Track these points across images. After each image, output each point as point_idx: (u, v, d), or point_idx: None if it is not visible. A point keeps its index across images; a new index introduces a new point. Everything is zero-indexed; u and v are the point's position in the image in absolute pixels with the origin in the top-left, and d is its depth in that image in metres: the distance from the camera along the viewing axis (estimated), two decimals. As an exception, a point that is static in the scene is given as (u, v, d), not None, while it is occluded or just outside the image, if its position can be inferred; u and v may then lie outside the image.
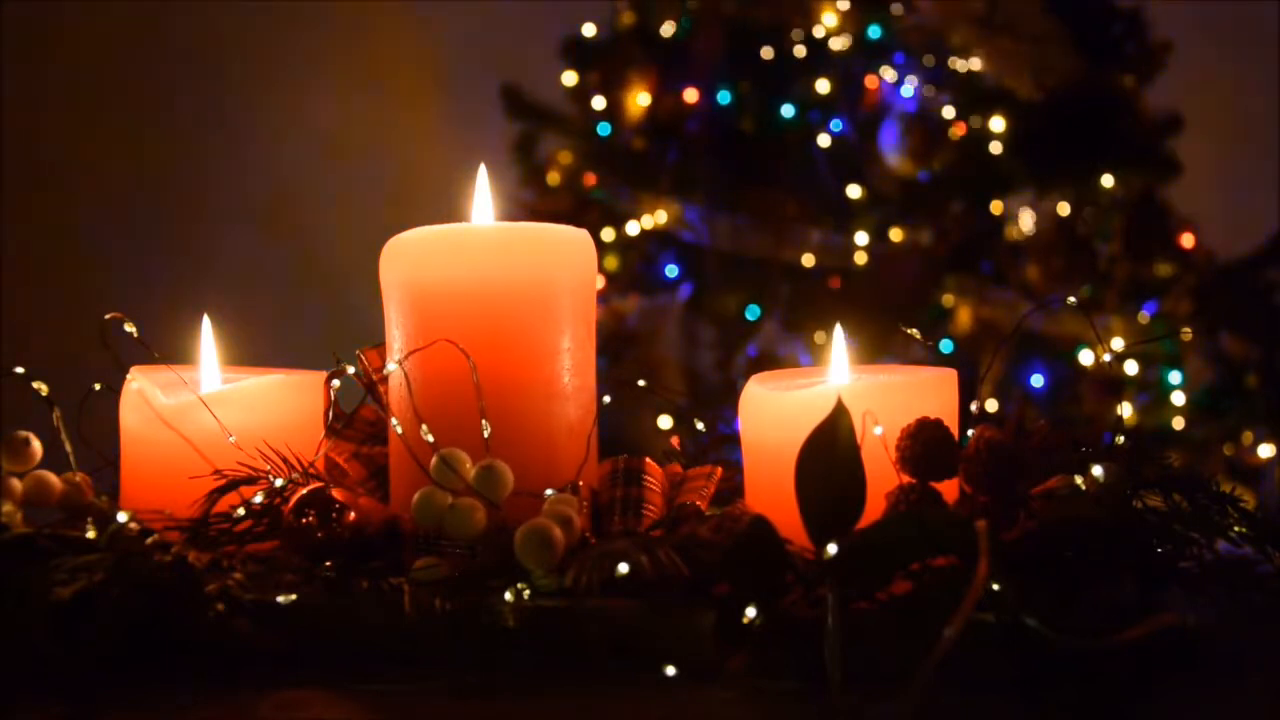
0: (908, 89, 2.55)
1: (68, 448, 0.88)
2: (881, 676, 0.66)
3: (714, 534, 0.76)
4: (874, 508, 0.72)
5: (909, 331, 0.93)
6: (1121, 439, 0.83)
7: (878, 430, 0.78)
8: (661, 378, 2.50)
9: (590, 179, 2.69)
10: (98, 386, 0.90)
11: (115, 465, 0.90)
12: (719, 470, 0.90)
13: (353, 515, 0.79)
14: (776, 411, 0.83)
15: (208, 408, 0.87)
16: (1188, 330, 0.99)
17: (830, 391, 0.80)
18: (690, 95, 2.63)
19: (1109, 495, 0.77)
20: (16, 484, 0.87)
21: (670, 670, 0.72)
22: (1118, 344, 2.38)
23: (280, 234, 3.42)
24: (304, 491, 0.80)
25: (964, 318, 2.52)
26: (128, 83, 3.35)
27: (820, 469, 0.70)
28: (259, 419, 0.88)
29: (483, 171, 0.92)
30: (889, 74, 2.58)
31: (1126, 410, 2.45)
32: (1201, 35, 2.96)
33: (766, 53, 2.62)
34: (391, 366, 0.85)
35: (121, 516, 0.80)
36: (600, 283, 2.61)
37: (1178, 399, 2.51)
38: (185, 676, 0.75)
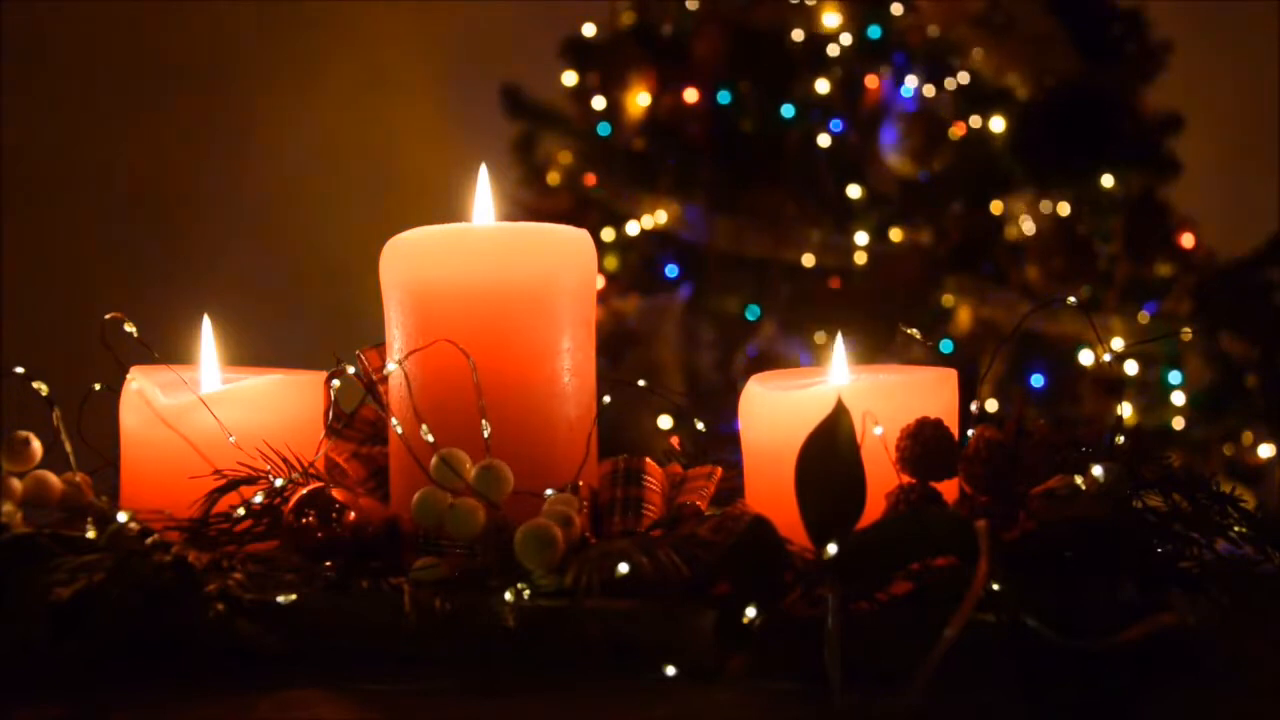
0: (908, 89, 2.55)
1: (68, 448, 0.88)
2: (881, 676, 0.66)
3: (714, 534, 0.76)
4: (874, 508, 0.72)
5: (909, 331, 0.93)
6: (1121, 439, 0.83)
7: (878, 430, 0.78)
8: (661, 378, 2.50)
9: (590, 179, 2.69)
10: (98, 386, 0.90)
11: (115, 465, 0.90)
12: (719, 470, 0.90)
13: (353, 515, 0.79)
14: (776, 411, 0.83)
15: (208, 408, 0.87)
16: (1188, 330, 0.99)
17: (830, 391, 0.80)
18: (690, 95, 2.63)
19: (1109, 495, 0.77)
20: (16, 484, 0.87)
21: (670, 670, 0.72)
22: (1118, 344, 2.38)
23: (280, 234, 3.42)
24: (304, 491, 0.80)
25: (964, 318, 2.52)
26: (128, 83, 3.35)
27: (820, 469, 0.70)
28: (259, 419, 0.88)
29: (483, 171, 0.92)
30: (889, 74, 2.58)
31: (1126, 410, 2.44)
32: (1201, 35, 2.96)
33: (766, 53, 2.62)
34: (391, 366, 0.85)
35: (121, 516, 0.80)
36: (600, 283, 2.61)
37: (1178, 399, 2.51)
38: (185, 676, 0.75)
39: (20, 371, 0.88)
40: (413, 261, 0.86)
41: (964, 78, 2.57)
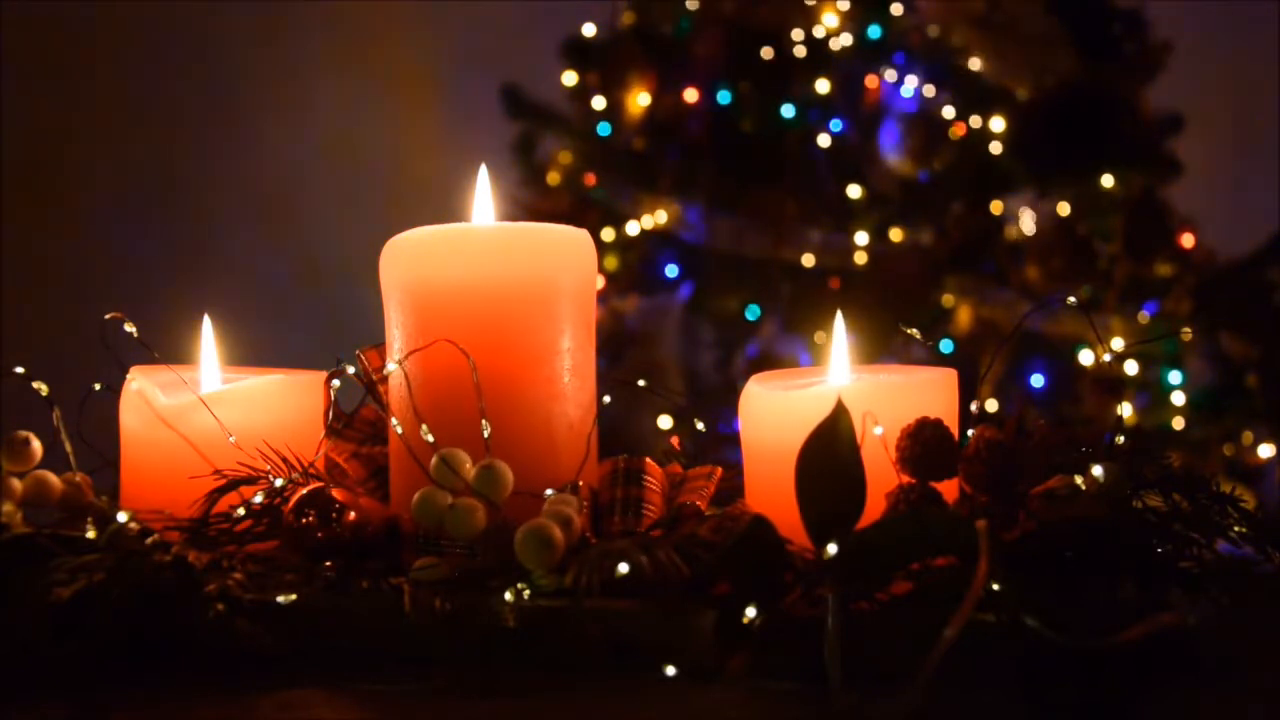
0: (908, 89, 2.55)
1: (68, 448, 0.88)
2: (881, 676, 0.66)
3: (714, 534, 0.76)
4: (874, 508, 0.72)
5: (909, 331, 0.93)
6: (1121, 439, 0.83)
7: (878, 430, 0.78)
8: (661, 378, 2.50)
9: (590, 179, 2.69)
10: (98, 386, 0.90)
11: (115, 465, 0.90)
12: (719, 470, 0.90)
13: (353, 515, 0.79)
14: (776, 411, 0.83)
15: (208, 408, 0.87)
16: (1188, 330, 0.99)
17: (830, 391, 0.80)
18: (690, 95, 2.63)
19: (1109, 495, 0.77)
20: (16, 484, 0.87)
21: (670, 670, 0.72)
22: (1118, 344, 2.38)
23: (280, 234, 3.42)
24: (304, 491, 0.80)
25: (964, 318, 2.52)
26: (129, 82, 3.35)
27: (820, 469, 0.70)
28: (259, 419, 0.88)
29: (483, 171, 0.92)
30: (889, 74, 2.58)
31: (1126, 410, 2.44)
32: (1201, 35, 2.96)
33: (766, 53, 2.62)
34: (391, 366, 0.85)
35: (121, 516, 0.80)
36: (600, 283, 2.61)
37: (1178, 399, 2.51)
38: (185, 676, 0.75)
39: (20, 371, 0.88)
40: (413, 261, 0.86)
41: (964, 78, 2.57)
